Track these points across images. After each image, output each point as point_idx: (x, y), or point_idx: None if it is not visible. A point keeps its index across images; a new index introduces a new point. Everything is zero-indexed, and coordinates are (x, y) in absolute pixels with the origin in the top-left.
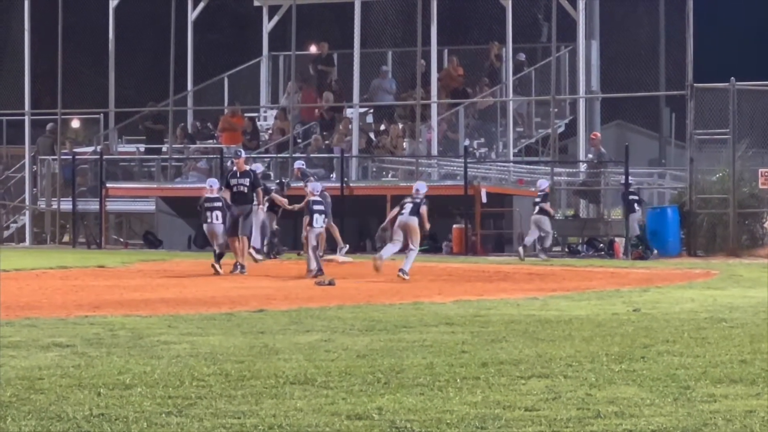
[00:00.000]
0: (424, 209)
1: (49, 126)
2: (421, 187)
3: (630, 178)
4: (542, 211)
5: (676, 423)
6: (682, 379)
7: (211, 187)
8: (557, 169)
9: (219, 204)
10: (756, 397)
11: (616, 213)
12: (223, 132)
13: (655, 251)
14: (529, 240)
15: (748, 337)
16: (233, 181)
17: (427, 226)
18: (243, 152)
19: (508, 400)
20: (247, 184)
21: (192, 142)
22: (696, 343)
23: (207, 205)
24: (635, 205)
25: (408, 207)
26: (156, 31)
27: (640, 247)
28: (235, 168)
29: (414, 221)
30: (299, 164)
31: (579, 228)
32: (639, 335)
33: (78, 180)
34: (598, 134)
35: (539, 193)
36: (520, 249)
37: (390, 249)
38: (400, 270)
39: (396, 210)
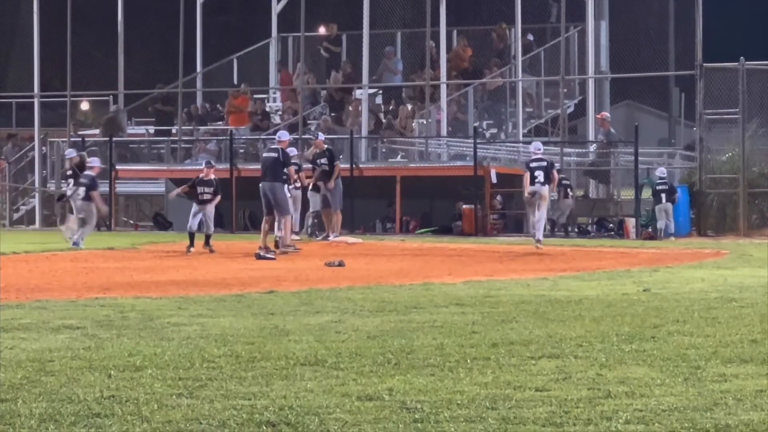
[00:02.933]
0: (555, 175)
1: (113, 107)
2: (539, 145)
3: (639, 158)
4: (670, 198)
5: (687, 403)
6: (692, 359)
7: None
8: (567, 150)
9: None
10: (767, 377)
11: (626, 193)
12: (229, 115)
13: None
14: (661, 224)
15: (758, 316)
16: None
17: (555, 191)
18: (322, 135)
19: (518, 380)
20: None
21: (200, 124)
22: (706, 323)
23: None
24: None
25: (540, 175)
26: (165, 12)
27: (650, 227)
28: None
29: (546, 190)
30: (323, 137)
31: (589, 208)
32: (649, 315)
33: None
34: (607, 114)
35: (660, 180)
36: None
37: (540, 227)
38: (538, 241)
39: (528, 176)
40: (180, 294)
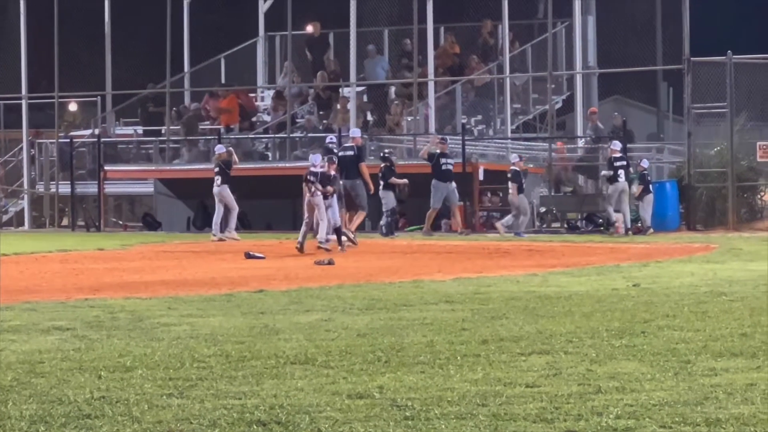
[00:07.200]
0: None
1: (193, 105)
2: (618, 144)
3: (628, 152)
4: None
5: (677, 397)
6: (682, 353)
7: (314, 164)
8: (555, 146)
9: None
10: (756, 370)
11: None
12: (219, 115)
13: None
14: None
15: (748, 310)
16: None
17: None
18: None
19: (509, 376)
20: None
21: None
22: (696, 317)
23: (311, 179)
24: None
25: (623, 174)
26: (152, 13)
27: (639, 222)
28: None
29: (627, 186)
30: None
31: (578, 204)
32: (639, 310)
33: (76, 163)
34: (596, 110)
35: (646, 172)
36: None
37: (627, 219)
38: (628, 230)
39: (608, 172)
40: (170, 294)
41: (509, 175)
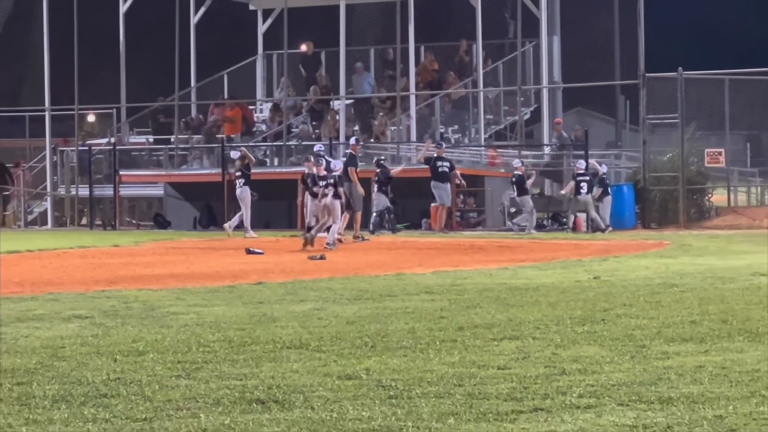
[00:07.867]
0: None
1: (211, 118)
2: (583, 163)
3: (589, 159)
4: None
5: (634, 378)
6: (638, 338)
7: (335, 168)
8: (524, 152)
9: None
10: (705, 354)
11: None
12: (224, 124)
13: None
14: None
15: (697, 300)
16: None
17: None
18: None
19: (482, 359)
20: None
21: (196, 133)
22: (651, 306)
23: (332, 182)
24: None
25: (585, 186)
26: (162, 33)
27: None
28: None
29: (589, 197)
30: (318, 148)
31: (544, 205)
32: (599, 300)
33: (94, 168)
34: (561, 120)
35: (604, 176)
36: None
37: (599, 221)
38: (607, 226)
39: (572, 184)
40: (178, 286)
41: (513, 179)
